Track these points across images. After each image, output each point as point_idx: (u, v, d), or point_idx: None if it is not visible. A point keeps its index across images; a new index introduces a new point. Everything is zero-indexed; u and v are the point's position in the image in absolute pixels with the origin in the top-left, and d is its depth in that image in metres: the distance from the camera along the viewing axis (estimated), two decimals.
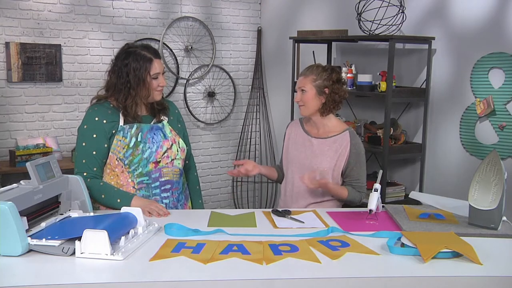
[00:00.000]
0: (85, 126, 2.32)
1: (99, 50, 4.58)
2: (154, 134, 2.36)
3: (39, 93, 4.33)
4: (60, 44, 4.36)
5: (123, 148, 2.30)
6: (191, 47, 5.03)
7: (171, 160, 2.40)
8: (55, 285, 1.52)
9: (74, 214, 2.03)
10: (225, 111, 5.36)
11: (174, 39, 4.95)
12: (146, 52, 2.31)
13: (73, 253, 1.69)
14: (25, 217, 1.78)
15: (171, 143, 2.40)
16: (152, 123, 2.40)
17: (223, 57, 5.29)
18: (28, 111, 4.30)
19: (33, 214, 1.90)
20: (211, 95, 5.21)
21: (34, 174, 1.90)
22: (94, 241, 1.67)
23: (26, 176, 1.93)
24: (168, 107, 2.49)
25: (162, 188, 2.37)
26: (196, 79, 5.13)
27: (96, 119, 2.30)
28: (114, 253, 1.68)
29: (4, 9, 4.13)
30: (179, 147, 2.44)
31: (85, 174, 2.28)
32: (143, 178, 2.33)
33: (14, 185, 1.90)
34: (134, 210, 1.97)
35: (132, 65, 2.28)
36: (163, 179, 2.37)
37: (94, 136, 2.29)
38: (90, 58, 4.53)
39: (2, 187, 1.90)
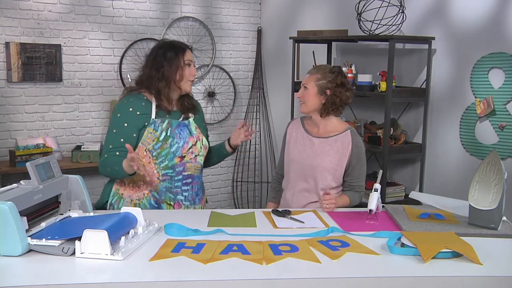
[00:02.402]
0: (118, 115, 2.41)
1: (99, 50, 4.57)
2: (181, 130, 2.46)
3: (39, 93, 4.33)
4: (60, 44, 4.36)
5: (153, 141, 2.39)
6: (191, 47, 5.01)
7: (195, 156, 2.50)
8: (55, 285, 1.52)
9: (74, 214, 2.03)
10: (225, 111, 5.36)
11: (174, 39, 4.94)
12: (179, 44, 2.50)
13: (73, 253, 1.69)
14: (25, 217, 1.78)
15: (195, 140, 2.50)
16: (180, 119, 2.49)
17: (223, 57, 5.29)
18: (28, 111, 4.30)
19: (33, 214, 1.90)
20: (211, 95, 5.21)
21: (34, 174, 1.90)
22: (94, 241, 1.67)
23: (26, 176, 1.93)
24: (197, 107, 2.62)
25: (184, 181, 2.47)
26: (196, 79, 5.13)
27: (131, 109, 2.39)
28: (114, 253, 1.68)
29: (4, 9, 4.13)
30: (202, 145, 2.54)
31: (106, 156, 2.38)
32: (167, 171, 2.42)
33: (14, 185, 1.90)
34: (134, 210, 1.97)
35: (167, 53, 2.42)
36: (186, 173, 2.47)
37: (125, 125, 2.38)
38: (90, 58, 4.53)
39: (2, 187, 1.90)
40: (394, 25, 3.61)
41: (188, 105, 2.55)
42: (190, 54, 2.48)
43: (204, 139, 2.57)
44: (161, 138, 2.39)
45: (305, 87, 2.56)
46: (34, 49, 4.24)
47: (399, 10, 3.57)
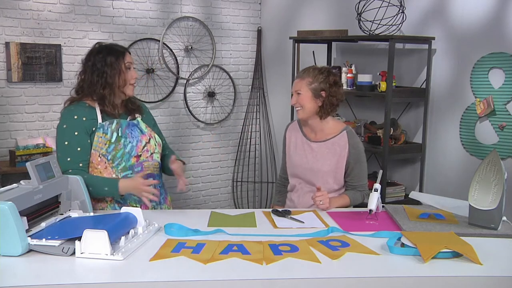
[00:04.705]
0: (64, 126, 2.32)
1: None
2: (132, 129, 2.41)
3: (39, 93, 4.33)
4: (60, 44, 4.36)
5: (105, 144, 2.33)
6: (191, 47, 5.03)
7: (151, 154, 2.45)
8: (55, 285, 1.52)
9: (74, 214, 2.03)
10: (225, 111, 5.36)
11: (174, 39, 4.94)
12: (118, 47, 2.41)
13: (73, 253, 1.69)
14: (25, 217, 1.78)
15: (148, 137, 2.46)
16: (127, 120, 2.44)
17: (223, 57, 5.29)
18: (28, 111, 4.30)
19: (33, 214, 1.89)
20: (211, 95, 5.21)
21: (34, 174, 1.90)
22: (94, 241, 1.67)
23: (26, 176, 1.93)
24: (141, 106, 2.56)
25: None
26: (196, 79, 5.13)
27: (75, 117, 2.32)
28: (114, 253, 1.69)
29: (4, 9, 4.13)
30: (156, 142, 2.50)
31: (70, 171, 2.25)
32: (126, 172, 2.36)
33: (14, 185, 1.90)
34: (134, 210, 1.97)
35: (107, 58, 2.34)
36: (145, 173, 2.40)
37: (76, 133, 2.30)
38: None
39: (2, 187, 1.90)
40: (394, 25, 3.61)
41: (132, 106, 2.48)
42: (129, 56, 2.40)
43: (157, 136, 2.52)
44: (113, 140, 2.33)
45: (298, 93, 2.51)
46: (34, 49, 4.24)
47: (399, 10, 3.57)
